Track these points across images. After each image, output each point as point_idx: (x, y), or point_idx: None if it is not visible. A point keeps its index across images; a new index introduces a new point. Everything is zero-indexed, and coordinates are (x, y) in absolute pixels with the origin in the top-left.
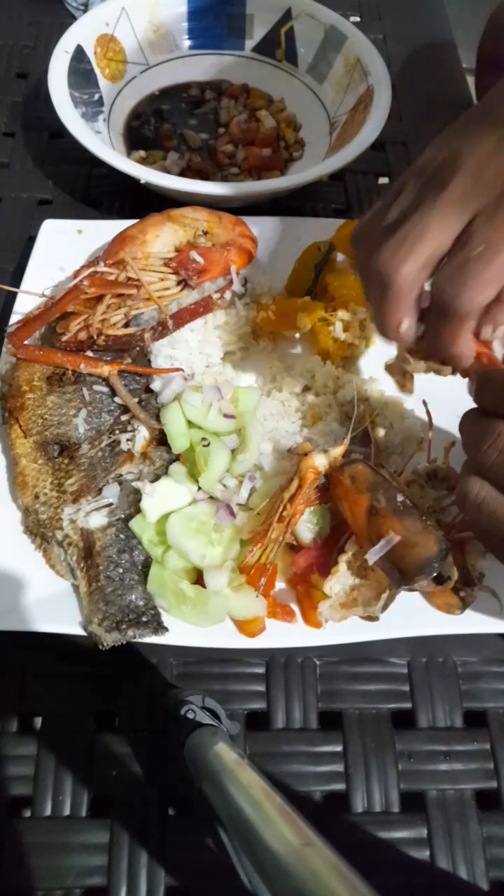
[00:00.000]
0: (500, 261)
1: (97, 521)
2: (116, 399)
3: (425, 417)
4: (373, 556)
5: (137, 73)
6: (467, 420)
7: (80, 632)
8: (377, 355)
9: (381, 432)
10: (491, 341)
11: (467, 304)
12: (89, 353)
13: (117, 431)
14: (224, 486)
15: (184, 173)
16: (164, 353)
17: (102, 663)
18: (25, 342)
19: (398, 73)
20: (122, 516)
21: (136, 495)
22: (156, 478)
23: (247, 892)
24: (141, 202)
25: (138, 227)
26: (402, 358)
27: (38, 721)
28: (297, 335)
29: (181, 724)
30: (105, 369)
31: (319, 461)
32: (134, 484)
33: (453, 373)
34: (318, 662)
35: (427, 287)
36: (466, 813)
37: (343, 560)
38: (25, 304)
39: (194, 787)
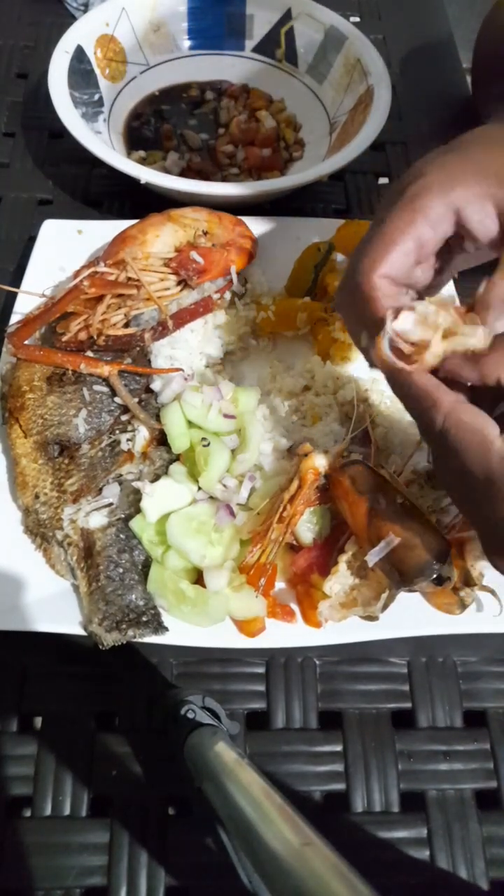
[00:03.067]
0: None
1: (97, 521)
2: (116, 399)
3: None
4: (372, 557)
5: (137, 74)
6: None
7: (80, 632)
8: None
9: (380, 432)
10: None
11: None
12: (89, 353)
13: (117, 431)
14: (224, 486)
15: (184, 173)
16: (164, 353)
17: (102, 663)
18: (26, 342)
19: (398, 74)
20: (122, 516)
21: (136, 495)
22: (156, 478)
23: (247, 892)
24: (141, 202)
25: (138, 227)
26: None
27: (38, 721)
28: (297, 335)
29: (181, 724)
30: (105, 369)
31: (319, 462)
32: (134, 484)
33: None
34: (317, 662)
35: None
36: (466, 813)
37: (343, 560)
38: (25, 304)
39: (194, 787)
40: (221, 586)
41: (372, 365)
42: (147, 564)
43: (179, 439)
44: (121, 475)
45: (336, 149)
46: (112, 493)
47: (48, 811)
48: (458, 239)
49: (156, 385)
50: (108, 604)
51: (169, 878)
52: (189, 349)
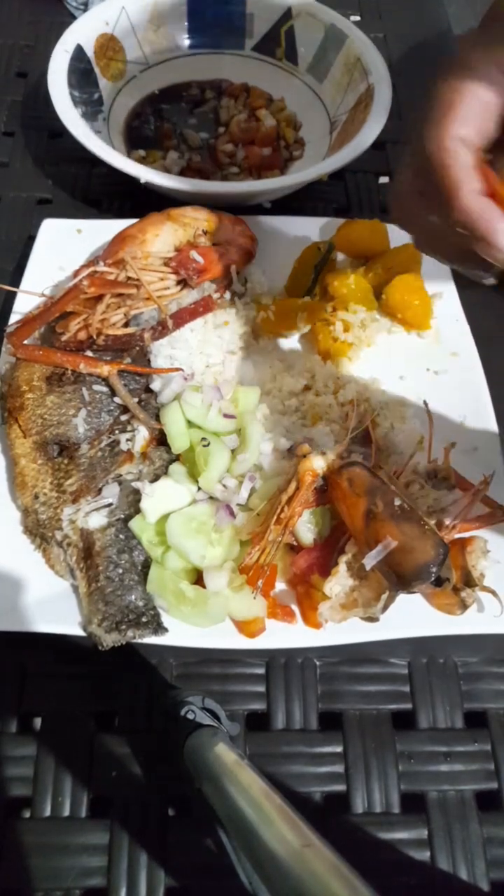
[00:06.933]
0: None
1: (97, 521)
2: (116, 399)
3: (426, 418)
4: (369, 561)
5: (137, 73)
6: None
7: (79, 632)
8: (377, 355)
9: (380, 432)
10: None
11: None
12: (89, 353)
13: (117, 431)
14: (224, 486)
15: (184, 173)
16: (163, 352)
17: (102, 663)
18: (25, 342)
19: (398, 72)
20: (122, 516)
21: (136, 495)
22: (156, 478)
23: (247, 893)
24: (141, 202)
25: (138, 226)
26: None
27: (38, 721)
28: (297, 335)
29: (181, 725)
30: (105, 369)
31: (317, 463)
32: (134, 484)
33: None
34: (318, 663)
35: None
36: (467, 814)
37: (343, 561)
38: (25, 303)
39: (194, 788)
40: (221, 587)
41: (450, 255)
42: (147, 565)
43: (179, 439)
44: (120, 475)
45: (336, 148)
46: (112, 493)
47: (48, 812)
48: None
49: (155, 385)
50: (108, 604)
51: (169, 879)
52: (189, 349)
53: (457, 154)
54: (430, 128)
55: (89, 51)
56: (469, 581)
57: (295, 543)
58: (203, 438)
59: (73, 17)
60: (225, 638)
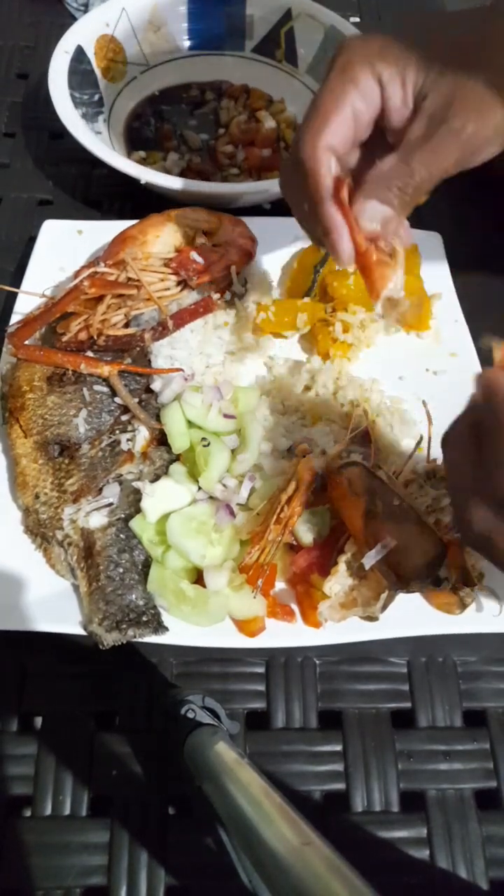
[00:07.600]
0: None
1: (97, 520)
2: (117, 399)
3: (425, 418)
4: (368, 560)
5: (137, 74)
6: (458, 439)
7: (80, 632)
8: (377, 356)
9: (380, 432)
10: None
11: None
12: (89, 354)
13: (117, 431)
14: (224, 486)
15: (184, 174)
16: (164, 353)
17: (102, 663)
18: (26, 342)
19: None
20: (123, 516)
21: (137, 495)
22: (156, 478)
23: (247, 892)
24: (141, 203)
25: (138, 227)
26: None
27: (38, 721)
28: (297, 335)
29: (181, 724)
30: (105, 369)
31: (317, 463)
32: (134, 484)
33: None
34: (317, 662)
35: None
36: (466, 812)
37: (342, 560)
38: (26, 304)
39: (194, 787)
40: (221, 586)
41: (313, 238)
42: (147, 564)
43: (179, 439)
44: (121, 475)
45: None
46: (112, 493)
47: (48, 811)
48: (379, 133)
49: (156, 385)
50: (109, 603)
51: (169, 878)
52: (189, 349)
53: (325, 163)
54: (307, 134)
55: (90, 52)
56: (468, 580)
57: (294, 543)
58: (203, 438)
59: (74, 19)
60: (225, 637)
